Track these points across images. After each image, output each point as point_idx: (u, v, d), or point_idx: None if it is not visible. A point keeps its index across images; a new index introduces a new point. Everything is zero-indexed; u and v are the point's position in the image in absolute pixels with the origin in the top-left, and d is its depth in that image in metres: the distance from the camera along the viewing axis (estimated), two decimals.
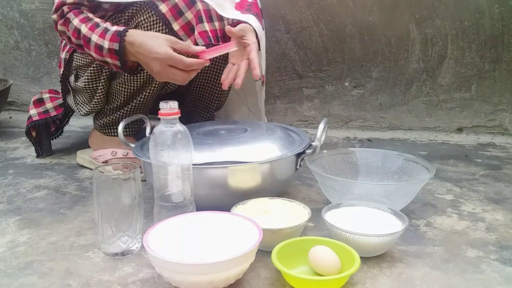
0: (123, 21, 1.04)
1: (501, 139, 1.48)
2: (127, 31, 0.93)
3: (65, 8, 1.00)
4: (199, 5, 1.02)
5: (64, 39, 1.06)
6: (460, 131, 1.53)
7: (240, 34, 1.01)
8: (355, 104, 1.57)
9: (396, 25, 1.47)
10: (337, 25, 1.49)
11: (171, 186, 0.79)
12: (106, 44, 0.94)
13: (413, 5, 1.43)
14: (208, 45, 1.01)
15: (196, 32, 1.04)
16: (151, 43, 0.90)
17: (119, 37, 0.93)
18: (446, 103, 1.52)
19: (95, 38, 0.95)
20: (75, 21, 0.98)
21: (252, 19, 1.05)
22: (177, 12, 1.00)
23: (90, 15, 0.99)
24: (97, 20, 0.98)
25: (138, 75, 1.07)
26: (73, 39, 0.99)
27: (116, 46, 0.93)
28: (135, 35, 0.93)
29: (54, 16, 1.01)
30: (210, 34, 1.04)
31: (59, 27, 1.01)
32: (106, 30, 0.95)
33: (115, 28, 0.95)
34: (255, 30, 1.04)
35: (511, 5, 1.39)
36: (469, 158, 1.30)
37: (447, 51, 1.47)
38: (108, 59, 0.96)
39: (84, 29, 0.96)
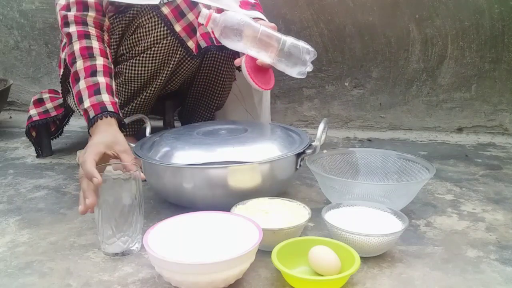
0: (124, 23, 1.04)
1: (501, 139, 1.48)
2: (106, 117, 0.86)
3: (70, 17, 0.96)
4: (201, 6, 1.02)
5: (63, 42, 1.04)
6: (460, 131, 1.53)
7: None
8: (355, 104, 1.57)
9: (396, 25, 1.46)
10: (337, 25, 1.49)
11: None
12: (86, 102, 0.88)
13: (413, 5, 1.43)
14: (210, 46, 1.01)
15: (198, 34, 1.04)
16: (93, 143, 0.80)
17: (101, 112, 0.87)
18: (446, 103, 1.52)
19: (82, 85, 0.90)
20: (76, 46, 0.93)
21: (259, 15, 1.05)
22: (179, 13, 1.00)
23: (95, 45, 0.94)
24: (99, 62, 0.92)
25: (139, 75, 1.07)
26: (67, 58, 0.96)
27: (92, 114, 0.87)
28: (97, 128, 0.85)
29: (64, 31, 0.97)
30: (212, 35, 1.04)
31: (64, 31, 0.98)
32: (97, 91, 0.89)
33: (105, 98, 0.88)
34: None
35: (511, 5, 1.39)
36: (469, 158, 1.30)
37: (447, 51, 1.46)
38: (82, 112, 0.91)
39: (80, 64, 0.92)
